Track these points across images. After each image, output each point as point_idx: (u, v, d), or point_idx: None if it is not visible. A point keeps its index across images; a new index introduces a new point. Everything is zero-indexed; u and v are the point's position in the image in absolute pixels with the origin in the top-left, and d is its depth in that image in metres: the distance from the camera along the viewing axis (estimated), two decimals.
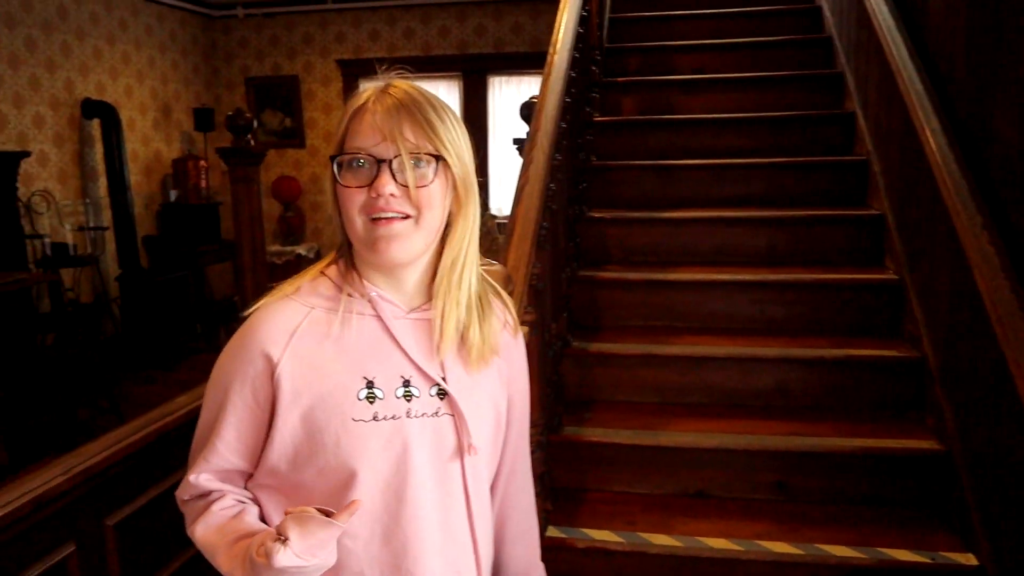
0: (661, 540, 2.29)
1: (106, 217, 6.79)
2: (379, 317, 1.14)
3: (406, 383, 1.13)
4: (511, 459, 1.34)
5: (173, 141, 7.88)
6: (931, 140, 2.52)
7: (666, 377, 2.80)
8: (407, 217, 1.10)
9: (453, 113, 1.16)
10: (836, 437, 2.51)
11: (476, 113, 7.89)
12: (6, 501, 2.12)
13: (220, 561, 1.11)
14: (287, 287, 1.17)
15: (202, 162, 7.55)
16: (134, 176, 7.06)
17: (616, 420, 2.68)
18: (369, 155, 1.09)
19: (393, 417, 1.11)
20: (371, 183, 1.09)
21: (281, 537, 1.00)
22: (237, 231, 3.84)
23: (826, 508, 2.44)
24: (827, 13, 4.29)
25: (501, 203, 7.76)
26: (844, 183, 3.48)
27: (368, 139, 1.09)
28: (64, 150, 6.50)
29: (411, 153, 1.09)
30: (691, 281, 3.07)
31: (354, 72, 8.11)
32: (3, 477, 3.55)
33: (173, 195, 7.44)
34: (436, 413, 1.14)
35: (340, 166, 1.11)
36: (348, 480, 1.10)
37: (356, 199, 1.10)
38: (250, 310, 1.16)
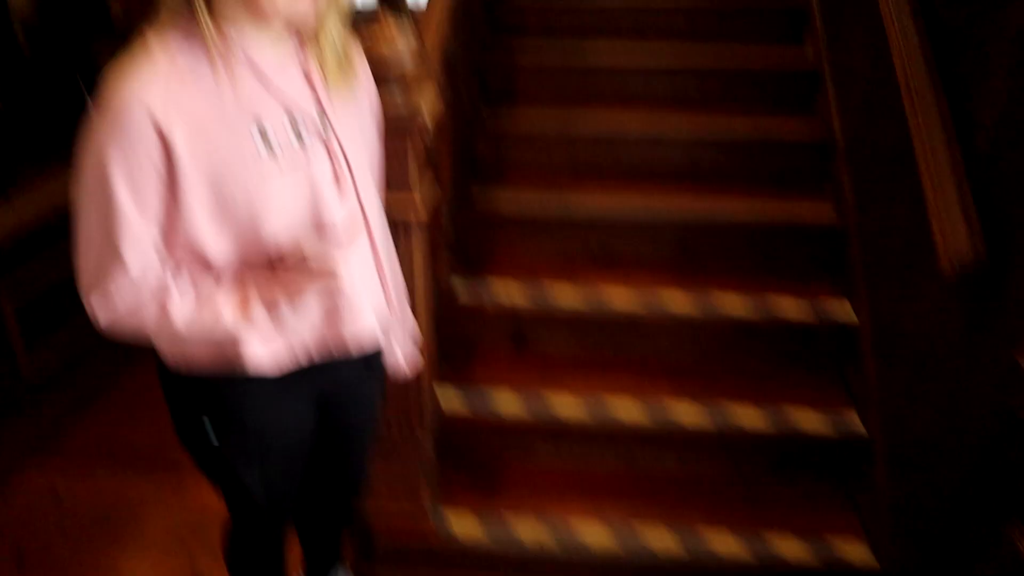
0: (566, 296, 2.36)
1: None
2: (245, 57, 1.10)
3: (291, 118, 1.14)
4: (381, 177, 1.46)
5: None
6: None
7: (580, 154, 2.77)
8: None
9: None
10: (738, 205, 2.56)
11: None
12: None
13: (232, 328, 1.12)
14: (135, 44, 1.07)
15: None
16: None
17: (529, 192, 2.65)
18: None
19: (291, 153, 1.13)
20: None
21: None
22: (129, 18, 3.53)
23: (723, 266, 2.54)
24: None
25: None
26: None
27: None
28: None
29: None
30: (608, 53, 2.97)
31: None
32: None
33: None
34: (324, 139, 1.17)
35: None
36: (261, 224, 1.11)
37: None
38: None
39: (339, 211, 1.20)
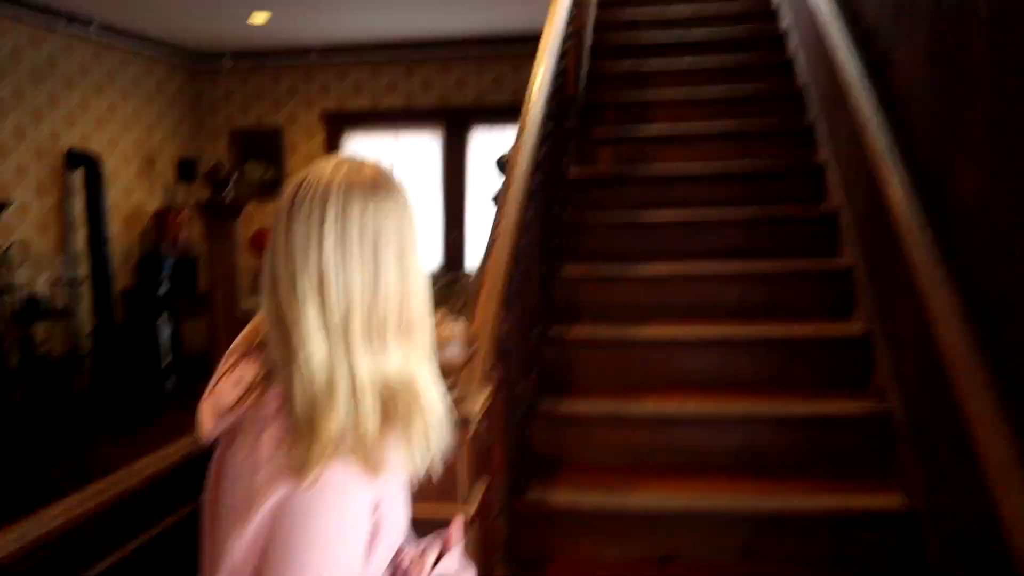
0: None
1: (85, 269, 6.77)
2: None
3: None
4: None
5: (155, 192, 7.89)
6: (894, 194, 2.54)
7: (634, 437, 2.77)
8: None
9: None
10: (804, 496, 2.49)
11: (457, 165, 7.96)
12: None
13: None
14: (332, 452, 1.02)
15: (183, 214, 7.55)
16: (115, 227, 7.06)
17: (584, 481, 2.64)
18: None
19: None
20: None
21: None
22: (211, 287, 3.84)
23: (793, 571, 2.41)
24: (801, 66, 4.36)
25: (478, 259, 7.73)
26: (815, 234, 3.49)
27: None
28: (45, 201, 6.51)
29: None
30: (662, 339, 3.06)
31: (338, 123, 8.18)
32: None
33: (168, 260, 7.35)
34: None
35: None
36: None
37: None
38: (315, 479, 0.99)
39: None
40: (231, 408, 1.08)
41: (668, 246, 3.57)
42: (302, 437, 0.98)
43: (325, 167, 1.05)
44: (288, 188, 1.05)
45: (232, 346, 1.17)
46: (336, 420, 0.99)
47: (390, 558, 1.14)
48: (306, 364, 1.00)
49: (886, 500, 2.45)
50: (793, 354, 2.97)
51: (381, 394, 1.03)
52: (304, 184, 1.03)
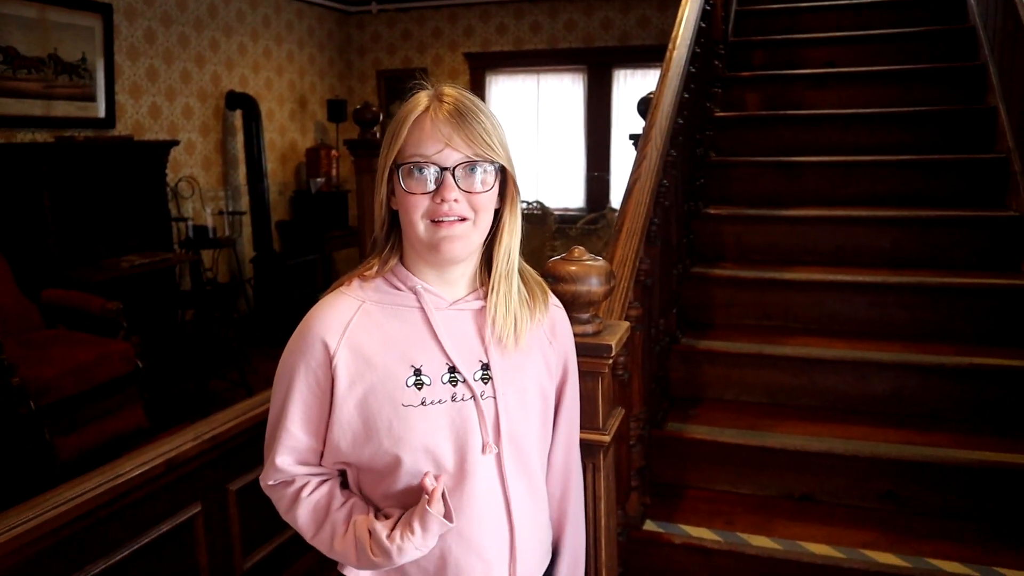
0: (760, 541, 2.26)
1: (244, 203, 7.21)
2: (423, 309, 1.23)
3: (451, 370, 1.21)
4: (566, 433, 1.41)
5: (307, 131, 8.24)
6: None
7: (776, 378, 2.74)
8: (465, 219, 1.18)
9: (496, 117, 1.22)
10: (954, 448, 2.39)
11: (600, 106, 7.89)
12: (143, 462, 2.33)
13: (334, 545, 1.21)
14: (343, 284, 1.26)
15: (333, 151, 7.87)
16: (270, 164, 7.45)
17: (722, 418, 2.65)
18: (432, 162, 1.16)
19: (439, 401, 1.19)
20: (436, 189, 1.16)
21: (406, 530, 1.15)
22: (361, 219, 4.02)
23: (938, 522, 2.33)
24: (971, 1, 4.06)
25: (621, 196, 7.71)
26: (981, 182, 3.29)
27: (430, 147, 1.16)
28: (208, 139, 6.92)
29: (471, 160, 1.17)
30: (807, 281, 2.98)
31: (481, 65, 8.26)
32: (143, 440, 3.84)
33: (315, 186, 7.73)
34: (482, 396, 1.22)
35: (403, 172, 1.18)
36: (398, 462, 1.18)
37: (421, 204, 1.17)
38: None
39: (473, 464, 1.21)
40: None
41: (816, 190, 3.46)
42: None
43: None
44: None
45: None
46: None
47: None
48: None
49: None
50: (950, 305, 2.82)
51: None
52: None
